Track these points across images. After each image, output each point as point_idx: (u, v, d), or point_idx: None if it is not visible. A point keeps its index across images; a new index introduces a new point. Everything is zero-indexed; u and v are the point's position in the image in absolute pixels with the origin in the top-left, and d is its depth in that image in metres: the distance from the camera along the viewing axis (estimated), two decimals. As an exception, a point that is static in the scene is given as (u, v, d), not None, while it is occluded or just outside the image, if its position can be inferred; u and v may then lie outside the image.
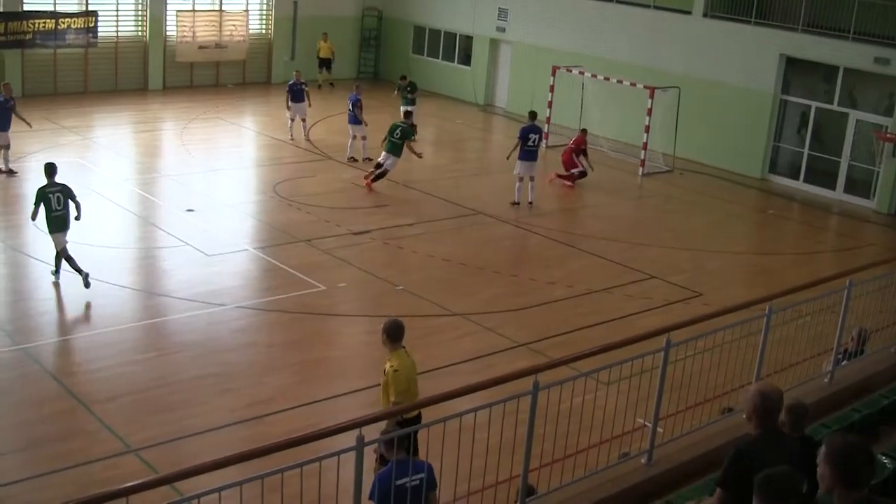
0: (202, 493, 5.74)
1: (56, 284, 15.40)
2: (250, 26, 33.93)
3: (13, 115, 21.73)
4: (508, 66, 32.35)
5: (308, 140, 25.88)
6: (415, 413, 8.88)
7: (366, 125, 24.27)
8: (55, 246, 15.33)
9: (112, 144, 25.33)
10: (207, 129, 27.50)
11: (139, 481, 5.70)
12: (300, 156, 24.66)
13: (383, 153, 22.03)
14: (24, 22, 29.15)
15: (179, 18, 32.20)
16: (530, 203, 21.54)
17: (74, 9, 30.35)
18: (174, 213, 19.64)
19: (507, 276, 17.30)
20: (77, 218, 15.42)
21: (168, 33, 32.19)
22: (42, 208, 15.11)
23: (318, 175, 23.05)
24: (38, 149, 23.66)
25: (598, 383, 8.93)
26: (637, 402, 9.30)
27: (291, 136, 26.01)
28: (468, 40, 33.49)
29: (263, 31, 34.65)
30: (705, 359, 9.51)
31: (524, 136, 21.49)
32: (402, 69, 31.55)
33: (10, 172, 21.38)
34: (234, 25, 33.35)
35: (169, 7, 31.96)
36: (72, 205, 15.36)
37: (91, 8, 30.44)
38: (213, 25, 32.89)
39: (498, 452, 7.64)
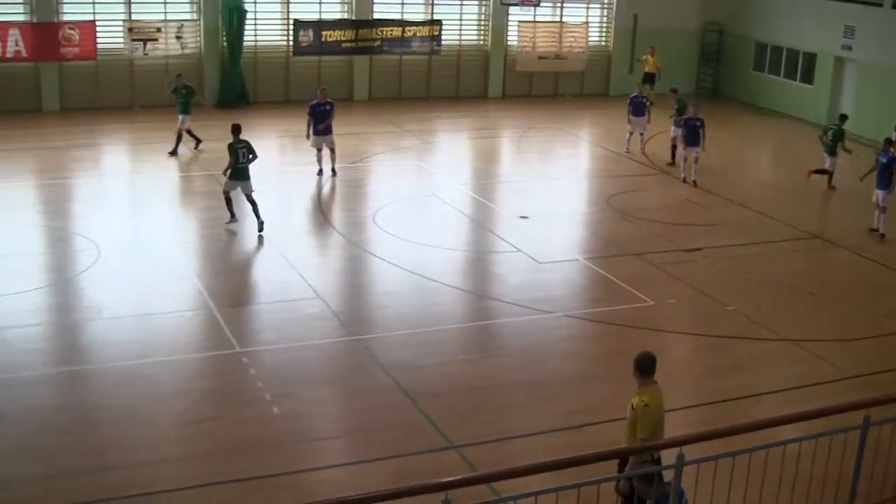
0: (519, 496, 5.74)
1: (229, 230, 18.28)
2: (590, 38, 34.18)
3: (328, 119, 22.02)
4: (854, 86, 30.31)
5: (644, 154, 25.62)
6: (658, 454, 8.41)
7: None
8: (226, 188, 18.47)
9: (451, 149, 26.42)
10: (544, 138, 27.96)
11: (458, 477, 5.79)
12: (635, 169, 24.45)
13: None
14: (374, 30, 31.09)
15: (521, 29, 33.02)
16: (882, 234, 19.89)
17: (420, 18, 31.98)
18: (508, 219, 20.08)
19: (841, 304, 16.23)
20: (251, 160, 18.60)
21: (509, 43, 33.11)
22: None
23: (652, 189, 22.75)
24: (381, 150, 25.16)
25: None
26: None
27: (627, 148, 25.85)
28: (811, 58, 31.80)
29: (603, 43, 34.77)
30: None
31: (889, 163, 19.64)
32: (742, 86, 30.40)
33: (334, 173, 22.31)
34: (573, 37, 33.72)
35: (511, 17, 32.87)
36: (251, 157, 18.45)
37: (436, 17, 31.96)
38: (554, 36, 33.43)
39: (822, 487, 7.09)
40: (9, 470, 10.40)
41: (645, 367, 8.83)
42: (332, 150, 22.23)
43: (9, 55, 27.40)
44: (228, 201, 18.66)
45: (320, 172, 22.05)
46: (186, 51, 29.47)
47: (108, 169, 23.66)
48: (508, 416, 11.94)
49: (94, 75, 28.79)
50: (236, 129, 18.72)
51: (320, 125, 21.97)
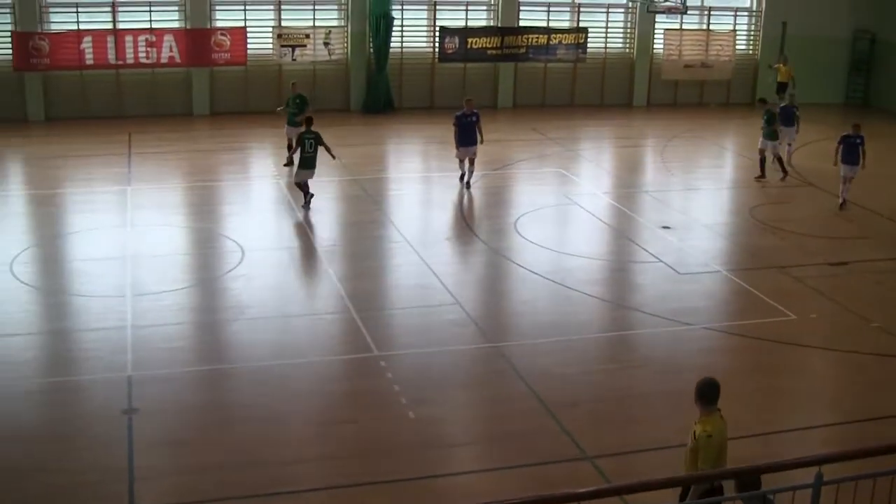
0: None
1: (305, 211, 19.94)
2: (737, 46, 33.46)
3: (476, 130, 22.03)
4: None
5: (790, 165, 24.90)
6: (718, 483, 8.12)
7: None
8: (297, 179, 20.30)
9: (594, 157, 26.27)
10: (688, 147, 27.51)
11: (591, 488, 5.75)
12: (780, 180, 23.79)
13: None
14: (520, 37, 31.20)
15: (666, 37, 32.57)
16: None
17: (566, 25, 31.91)
18: (649, 228, 19.83)
19: None
20: (333, 157, 20.67)
21: (655, 51, 32.72)
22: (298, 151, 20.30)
23: (796, 201, 22.11)
24: (524, 158, 25.21)
25: None
26: None
27: (773, 159, 25.14)
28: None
29: (750, 52, 33.98)
30: None
31: None
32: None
33: (468, 186, 22.10)
34: (720, 45, 33.08)
35: (657, 25, 32.45)
36: (322, 149, 20.19)
37: (582, 24, 31.84)
38: (700, 45, 32.86)
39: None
40: (155, 462, 10.84)
41: (708, 394, 8.45)
42: (472, 162, 22.16)
43: (163, 60, 28.63)
44: (300, 186, 20.37)
45: (462, 177, 22.24)
46: (334, 57, 30.19)
47: (254, 172, 24.43)
48: (644, 428, 11.79)
49: (244, 80, 29.79)
50: (308, 121, 20.52)
51: (465, 136, 21.97)
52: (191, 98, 29.43)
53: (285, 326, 14.74)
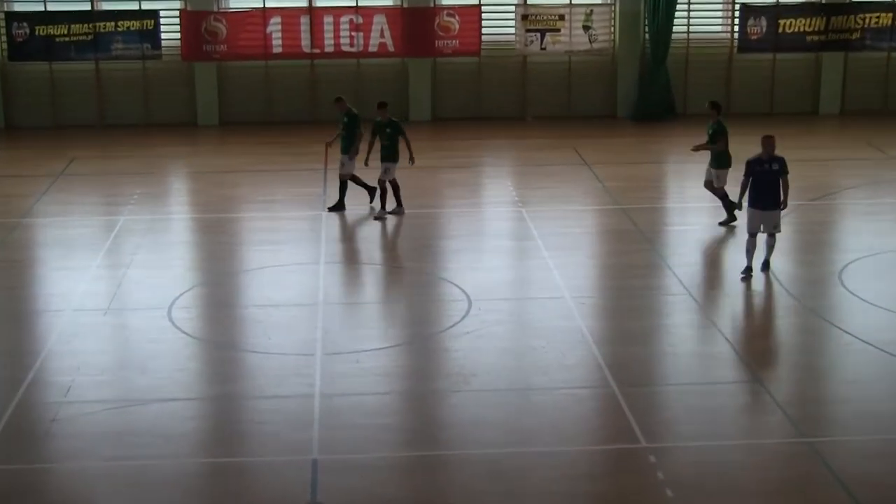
0: None
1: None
2: None
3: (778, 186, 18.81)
4: None
5: None
6: None
7: None
8: (382, 177, 21.92)
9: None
10: None
11: None
12: None
13: None
14: (853, 17, 30.27)
15: None
16: None
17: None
18: None
19: None
20: (410, 160, 22.13)
21: None
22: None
23: None
24: (856, 183, 24.46)
25: None
26: None
27: None
28: None
29: None
30: None
31: None
32: None
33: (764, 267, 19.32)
34: None
35: None
36: (401, 140, 22.06)
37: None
38: None
39: None
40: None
41: None
42: (772, 238, 19.07)
43: (372, 49, 29.50)
44: (385, 191, 22.05)
45: (747, 271, 19.20)
46: (596, 45, 30.31)
47: (489, 196, 24.78)
48: None
49: (475, 75, 30.33)
50: (381, 106, 22.19)
51: (763, 194, 18.68)
52: (407, 97, 30.20)
53: (523, 403, 14.70)
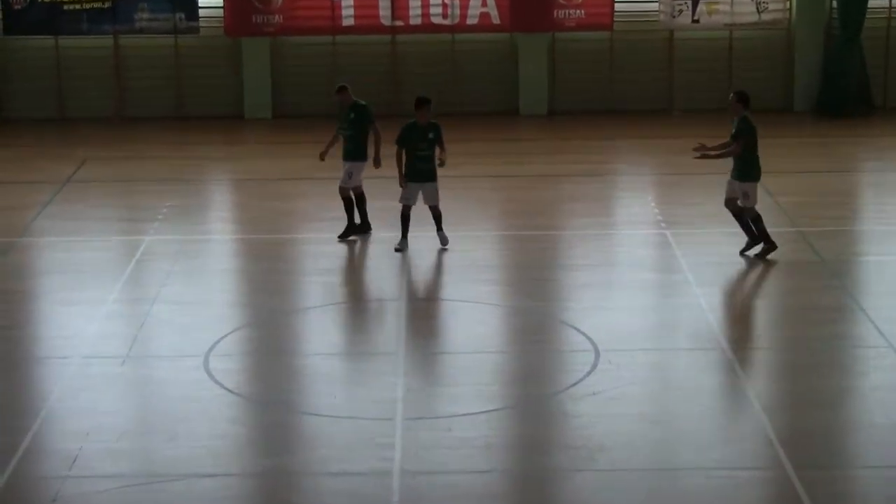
0: None
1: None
2: None
3: None
4: None
5: None
6: None
7: None
8: (403, 201, 21.75)
9: None
10: None
11: None
12: None
13: None
14: None
15: None
16: None
17: None
18: None
19: None
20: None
21: None
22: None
23: None
24: None
25: None
26: None
27: None
28: None
29: None
30: None
31: None
32: None
33: None
34: None
35: None
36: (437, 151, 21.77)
37: None
38: None
39: None
40: None
41: None
42: None
43: (471, 21, 29.62)
44: (405, 219, 21.88)
45: None
46: (766, 16, 30.14)
47: (624, 216, 24.71)
48: None
49: (606, 55, 30.31)
50: (420, 105, 21.76)
51: None
52: (515, 84, 30.30)
53: (667, 487, 14.56)
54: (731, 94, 21.87)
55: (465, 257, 21.84)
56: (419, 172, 21.68)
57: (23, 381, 17.59)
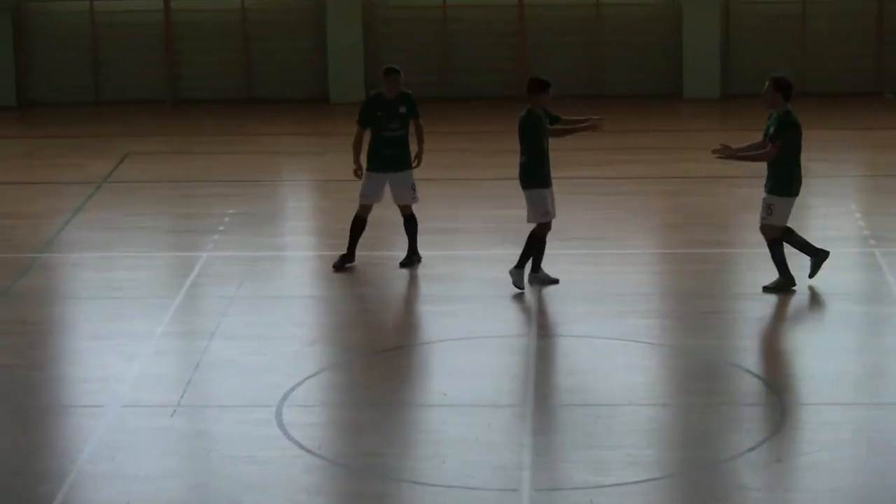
0: None
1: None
2: None
3: None
4: None
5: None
6: None
7: None
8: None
9: None
10: None
11: None
12: None
13: None
14: None
15: None
16: None
17: None
18: None
19: None
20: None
21: None
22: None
23: None
24: None
25: None
26: None
27: None
28: None
29: None
30: None
31: None
32: None
33: None
34: None
35: None
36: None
37: None
38: None
39: None
40: None
41: None
42: None
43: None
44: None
45: None
46: None
47: (811, 226, 24.48)
48: None
49: (794, 23, 30.24)
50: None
51: None
52: (678, 58, 30.39)
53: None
54: (767, 81, 21.57)
55: (612, 282, 21.71)
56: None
57: (46, 436, 17.50)
